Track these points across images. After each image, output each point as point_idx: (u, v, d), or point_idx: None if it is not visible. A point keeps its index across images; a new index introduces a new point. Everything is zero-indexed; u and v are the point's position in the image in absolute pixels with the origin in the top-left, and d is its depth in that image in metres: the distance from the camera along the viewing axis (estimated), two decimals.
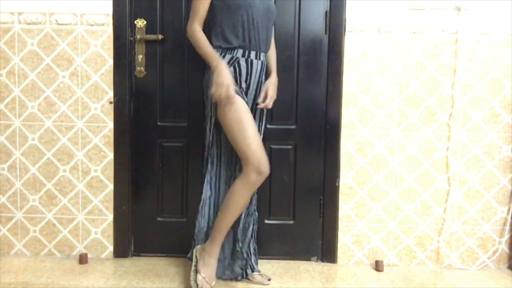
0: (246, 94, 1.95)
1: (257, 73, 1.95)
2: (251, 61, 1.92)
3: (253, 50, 1.92)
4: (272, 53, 2.08)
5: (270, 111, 2.22)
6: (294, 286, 2.07)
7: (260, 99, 1.97)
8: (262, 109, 2.02)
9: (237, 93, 1.86)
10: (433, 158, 2.28)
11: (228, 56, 1.90)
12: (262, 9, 1.91)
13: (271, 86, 2.00)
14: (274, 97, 2.01)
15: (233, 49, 1.90)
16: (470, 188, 2.28)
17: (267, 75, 2.03)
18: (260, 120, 2.05)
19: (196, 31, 1.89)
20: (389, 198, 2.30)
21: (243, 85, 1.93)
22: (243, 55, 1.91)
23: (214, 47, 1.90)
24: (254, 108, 1.99)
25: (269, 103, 1.98)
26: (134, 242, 2.35)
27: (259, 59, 1.94)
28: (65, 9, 2.23)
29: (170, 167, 2.33)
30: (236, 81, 1.90)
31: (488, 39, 2.22)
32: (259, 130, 2.01)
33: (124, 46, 2.24)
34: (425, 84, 2.25)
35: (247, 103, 1.90)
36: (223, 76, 1.80)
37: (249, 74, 1.93)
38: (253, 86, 1.96)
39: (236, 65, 1.90)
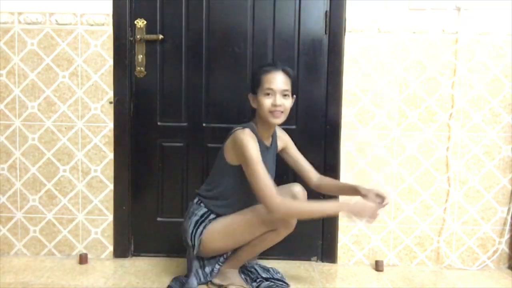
0: None
1: None
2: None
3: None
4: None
5: None
6: (294, 286, 2.07)
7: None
8: None
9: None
10: (433, 158, 2.28)
11: None
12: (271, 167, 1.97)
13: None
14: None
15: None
16: (470, 188, 2.28)
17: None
18: None
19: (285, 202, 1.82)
20: (389, 198, 2.30)
21: None
22: None
23: None
24: None
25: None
26: (134, 242, 2.35)
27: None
28: (65, 9, 2.23)
29: (170, 167, 2.33)
30: None
31: (488, 39, 2.22)
32: None
33: (124, 46, 2.24)
34: (425, 84, 2.25)
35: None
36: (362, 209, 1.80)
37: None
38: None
39: None
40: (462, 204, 2.29)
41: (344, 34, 2.24)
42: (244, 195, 1.89)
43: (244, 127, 1.88)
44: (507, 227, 2.29)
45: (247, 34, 2.25)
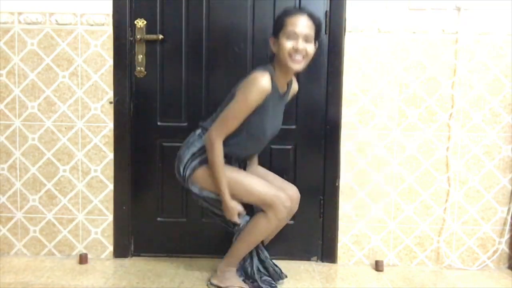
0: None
1: None
2: None
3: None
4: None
5: None
6: (294, 286, 2.07)
7: None
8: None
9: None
10: (433, 158, 2.28)
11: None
12: (271, 130, 1.96)
13: None
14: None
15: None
16: (470, 188, 2.28)
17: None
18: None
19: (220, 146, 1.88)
20: (389, 198, 2.30)
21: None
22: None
23: None
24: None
25: None
26: (134, 242, 2.35)
27: None
28: (65, 9, 2.23)
29: (170, 167, 2.31)
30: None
31: (488, 39, 2.22)
32: None
33: (124, 46, 2.24)
34: (425, 84, 2.25)
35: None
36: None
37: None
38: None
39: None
40: (462, 204, 2.29)
41: (344, 34, 2.24)
42: (249, 136, 1.88)
43: (264, 69, 1.81)
44: (507, 227, 2.29)
45: (247, 34, 2.25)
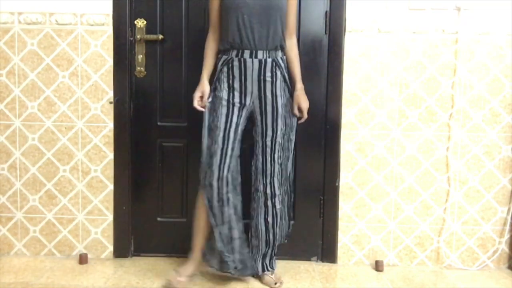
0: (245, 94, 1.96)
1: (255, 72, 1.95)
2: (244, 60, 1.94)
3: (247, 49, 1.93)
4: (294, 58, 2.05)
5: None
6: (294, 286, 2.07)
7: (297, 114, 2.05)
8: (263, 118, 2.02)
9: (213, 102, 1.99)
10: (433, 158, 2.28)
11: (224, 57, 1.97)
12: (259, 7, 1.91)
13: (301, 98, 2.03)
14: (307, 106, 2.03)
15: (228, 50, 1.96)
16: (470, 188, 2.28)
17: (292, 83, 2.05)
18: (272, 130, 2.02)
19: (208, 38, 2.03)
20: (389, 198, 2.30)
21: (236, 84, 1.96)
22: (236, 55, 1.95)
23: (219, 51, 2.00)
24: (262, 111, 2.00)
25: (305, 114, 2.05)
26: (134, 242, 2.35)
27: (256, 57, 1.94)
28: (65, 9, 2.23)
29: (170, 167, 2.33)
30: (229, 81, 1.96)
31: (488, 39, 2.22)
32: (272, 142, 2.02)
33: (124, 46, 2.25)
34: (425, 84, 2.25)
35: (229, 107, 1.97)
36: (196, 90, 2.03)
37: (242, 73, 1.95)
38: (252, 86, 1.96)
39: (230, 65, 1.95)
40: (462, 204, 2.29)
41: (344, 34, 2.24)
42: (227, 11, 1.95)
43: None
44: (507, 227, 2.29)
45: None
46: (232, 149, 1.97)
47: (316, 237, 2.34)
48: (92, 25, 2.24)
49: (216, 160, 1.95)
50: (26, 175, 2.31)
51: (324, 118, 2.28)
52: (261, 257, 2.10)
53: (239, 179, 2.04)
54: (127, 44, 2.25)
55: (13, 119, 2.29)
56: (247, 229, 2.10)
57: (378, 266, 2.25)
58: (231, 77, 1.96)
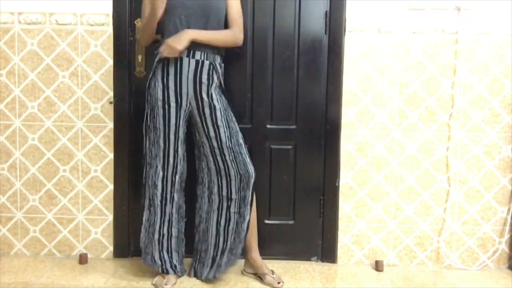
0: (180, 94, 1.96)
1: (191, 73, 1.95)
2: (181, 59, 1.94)
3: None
4: (220, 32, 2.00)
5: (270, 111, 2.24)
6: (294, 286, 2.07)
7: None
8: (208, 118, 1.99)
9: (149, 101, 2.00)
10: (433, 158, 2.28)
11: (159, 55, 1.95)
12: (197, 7, 1.93)
13: (177, 35, 1.93)
14: (172, 42, 1.90)
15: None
16: (470, 188, 2.28)
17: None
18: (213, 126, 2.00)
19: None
20: (389, 198, 2.30)
21: (171, 83, 1.95)
22: None
23: (156, 48, 1.99)
24: (201, 112, 1.99)
25: (162, 49, 1.92)
26: (134, 242, 2.35)
27: (193, 57, 1.94)
28: (65, 9, 2.23)
29: None
30: (163, 79, 1.95)
31: (488, 39, 2.22)
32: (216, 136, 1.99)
33: (124, 46, 2.24)
34: (425, 84, 2.25)
35: (165, 108, 1.97)
36: None
37: (178, 72, 1.95)
38: (187, 86, 1.96)
39: (165, 62, 1.95)
40: (462, 204, 2.29)
41: (344, 34, 2.24)
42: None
43: None
44: (507, 227, 2.29)
45: (247, 34, 2.25)
46: (175, 150, 1.99)
47: (316, 237, 2.34)
48: (92, 25, 2.24)
49: (159, 160, 1.98)
50: (26, 175, 2.31)
51: (324, 118, 2.28)
52: (210, 262, 2.07)
53: (183, 183, 2.09)
54: (127, 44, 2.25)
55: (13, 119, 2.29)
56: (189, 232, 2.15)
57: (378, 266, 2.25)
58: (165, 75, 1.95)
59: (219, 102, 1.99)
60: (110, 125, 2.28)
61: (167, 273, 2.05)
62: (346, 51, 2.25)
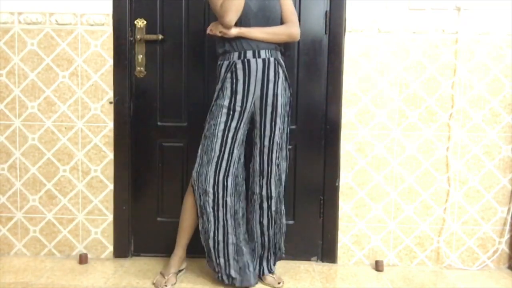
0: (247, 96, 1.94)
1: (259, 72, 1.94)
2: (248, 61, 1.93)
3: (249, 50, 1.93)
4: (280, 27, 1.99)
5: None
6: (294, 286, 2.07)
7: None
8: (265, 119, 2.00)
9: (212, 110, 1.96)
10: (433, 158, 2.28)
11: (225, 63, 1.96)
12: (257, 9, 1.92)
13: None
14: (212, 29, 1.95)
15: (228, 52, 1.95)
16: (470, 188, 2.28)
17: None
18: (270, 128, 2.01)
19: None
20: (389, 198, 2.30)
21: (239, 88, 1.93)
22: (239, 57, 1.93)
23: (218, 55, 2.00)
24: (262, 112, 1.98)
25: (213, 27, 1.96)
26: (134, 242, 2.35)
27: (259, 57, 1.94)
28: (65, 9, 2.23)
29: (170, 167, 2.33)
30: (232, 86, 1.94)
31: (488, 39, 2.22)
32: (270, 140, 2.00)
33: (124, 46, 2.25)
34: (425, 84, 2.25)
35: (229, 114, 1.94)
36: None
37: (246, 75, 1.93)
38: (255, 86, 1.95)
39: (233, 68, 1.94)
40: (462, 204, 2.29)
41: (344, 34, 2.24)
42: None
43: None
44: (507, 227, 2.29)
45: None
46: (230, 153, 1.96)
47: (316, 237, 2.34)
48: (92, 25, 2.24)
49: (212, 166, 1.94)
50: (26, 175, 2.31)
51: (324, 118, 2.28)
52: (258, 260, 2.09)
53: (243, 186, 2.06)
54: (127, 44, 2.25)
55: (13, 119, 2.29)
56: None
57: (378, 266, 2.25)
58: (234, 81, 1.94)
59: (282, 97, 1.99)
60: (110, 125, 2.28)
61: (223, 282, 2.02)
62: (346, 51, 2.25)
